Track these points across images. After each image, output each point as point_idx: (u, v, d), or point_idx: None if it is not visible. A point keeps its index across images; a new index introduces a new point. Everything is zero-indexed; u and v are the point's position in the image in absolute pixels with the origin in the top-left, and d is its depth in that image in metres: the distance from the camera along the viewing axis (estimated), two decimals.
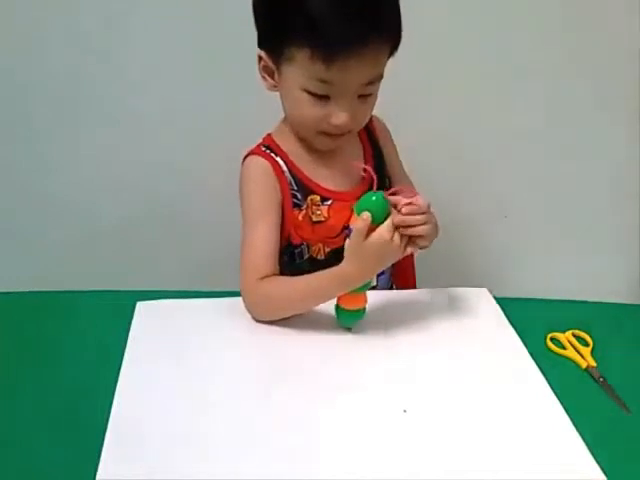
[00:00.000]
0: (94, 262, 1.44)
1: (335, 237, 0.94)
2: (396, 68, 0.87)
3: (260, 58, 0.89)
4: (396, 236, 0.79)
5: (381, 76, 0.86)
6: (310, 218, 0.94)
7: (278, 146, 0.95)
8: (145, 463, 0.66)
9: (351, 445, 0.69)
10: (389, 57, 0.87)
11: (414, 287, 1.09)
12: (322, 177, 0.95)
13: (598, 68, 1.33)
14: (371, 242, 0.78)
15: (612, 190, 1.44)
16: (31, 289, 0.94)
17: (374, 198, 0.78)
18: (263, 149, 0.95)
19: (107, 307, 0.91)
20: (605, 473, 0.66)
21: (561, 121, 1.38)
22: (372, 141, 1.01)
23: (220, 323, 0.88)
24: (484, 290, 0.96)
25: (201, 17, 1.26)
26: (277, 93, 0.91)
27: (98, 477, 0.63)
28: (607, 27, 1.30)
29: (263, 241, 0.90)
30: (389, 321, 0.88)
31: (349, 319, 0.85)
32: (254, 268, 0.88)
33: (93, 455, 0.65)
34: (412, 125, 1.23)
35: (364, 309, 0.84)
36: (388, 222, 0.78)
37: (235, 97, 1.27)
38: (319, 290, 0.85)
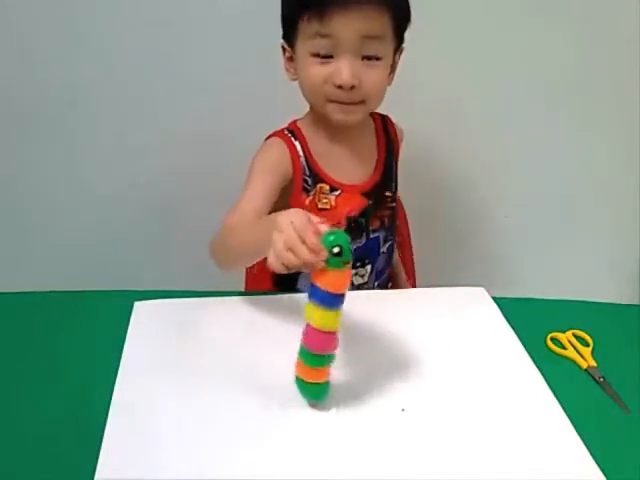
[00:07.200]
0: (94, 262, 1.44)
1: (336, 225, 0.94)
2: (403, 66, 0.87)
3: (283, 49, 0.94)
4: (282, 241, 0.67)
5: (383, 37, 0.88)
6: (316, 205, 0.96)
7: (300, 132, 0.97)
8: (144, 463, 0.66)
9: (350, 444, 0.68)
10: (397, 27, 0.89)
11: (414, 287, 1.09)
12: (334, 169, 0.97)
13: (598, 68, 1.33)
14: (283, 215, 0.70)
15: (612, 190, 1.44)
16: (31, 289, 0.94)
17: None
18: (286, 132, 0.97)
19: (107, 307, 0.91)
20: (605, 473, 0.66)
21: (561, 122, 1.38)
22: (387, 135, 1.03)
23: (219, 323, 0.88)
24: (481, 289, 0.96)
25: (200, 20, 1.26)
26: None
27: (97, 477, 0.63)
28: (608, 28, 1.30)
29: (256, 193, 0.91)
30: (388, 320, 0.88)
31: (310, 393, 0.73)
32: (235, 209, 0.89)
33: (92, 455, 0.65)
34: (413, 125, 1.22)
35: (326, 383, 0.72)
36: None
37: (236, 98, 1.27)
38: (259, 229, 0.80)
